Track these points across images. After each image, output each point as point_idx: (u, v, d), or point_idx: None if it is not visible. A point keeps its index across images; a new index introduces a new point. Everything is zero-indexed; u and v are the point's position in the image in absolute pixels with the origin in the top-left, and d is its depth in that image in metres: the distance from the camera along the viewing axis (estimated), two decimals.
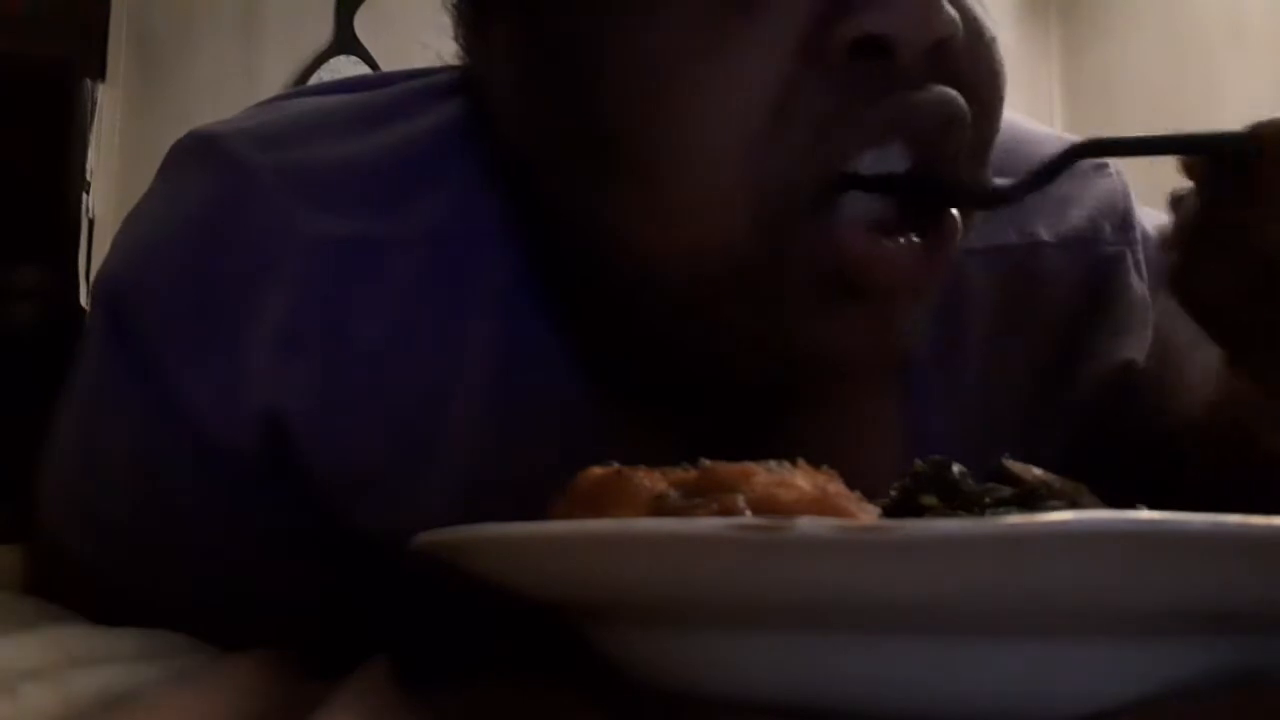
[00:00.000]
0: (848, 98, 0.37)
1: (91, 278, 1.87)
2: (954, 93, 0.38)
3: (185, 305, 0.42)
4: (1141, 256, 0.51)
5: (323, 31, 2.22)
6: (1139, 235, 0.52)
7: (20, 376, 1.76)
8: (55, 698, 0.27)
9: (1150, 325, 0.51)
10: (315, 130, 0.46)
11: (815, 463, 0.30)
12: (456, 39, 0.45)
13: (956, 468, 0.32)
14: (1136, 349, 0.51)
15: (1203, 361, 0.47)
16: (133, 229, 0.47)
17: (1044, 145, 0.49)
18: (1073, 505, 0.31)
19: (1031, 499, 0.31)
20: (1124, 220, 0.52)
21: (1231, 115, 0.39)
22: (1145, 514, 0.23)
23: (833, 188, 0.38)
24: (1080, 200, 0.51)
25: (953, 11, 0.37)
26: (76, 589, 0.45)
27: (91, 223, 1.91)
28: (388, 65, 2.19)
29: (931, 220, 0.39)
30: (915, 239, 0.38)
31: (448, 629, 0.46)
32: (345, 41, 2.22)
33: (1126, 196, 0.53)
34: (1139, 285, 0.51)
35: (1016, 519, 0.23)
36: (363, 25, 2.23)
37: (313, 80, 2.18)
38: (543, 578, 0.31)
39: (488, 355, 0.43)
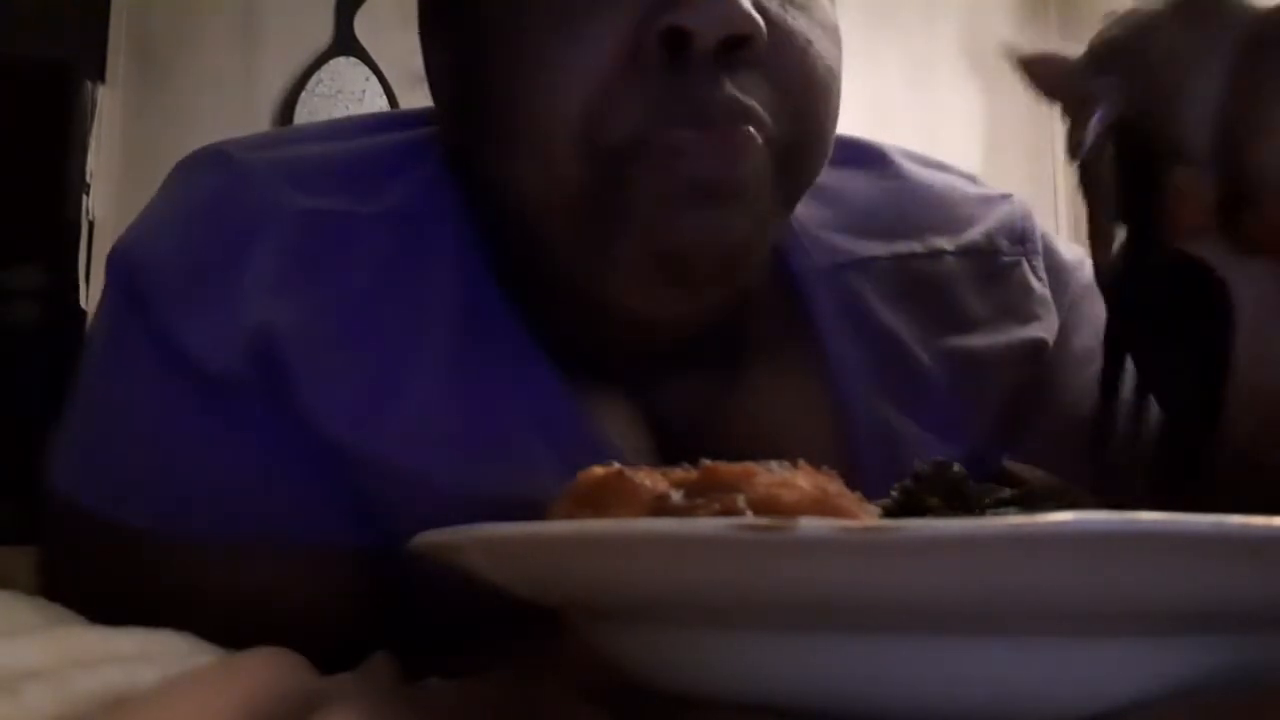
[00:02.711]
0: (659, 84, 0.44)
1: (92, 279, 1.88)
2: (741, 96, 0.44)
3: (188, 269, 0.49)
4: (1040, 264, 0.59)
5: (322, 33, 2.22)
6: (1039, 249, 0.60)
7: (20, 376, 1.76)
8: (56, 698, 0.27)
9: (1055, 316, 0.58)
10: (301, 138, 0.55)
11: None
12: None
13: (957, 468, 0.32)
14: (1045, 331, 0.58)
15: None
16: (142, 216, 0.53)
17: (989, 202, 0.60)
18: (1073, 506, 0.31)
19: (1032, 500, 0.31)
20: (1022, 236, 0.60)
21: None
22: (1146, 515, 0.23)
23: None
24: (982, 220, 0.60)
25: (753, 13, 0.43)
26: (85, 557, 0.49)
27: (91, 224, 1.91)
28: (387, 67, 2.20)
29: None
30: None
31: (448, 629, 0.47)
32: (345, 43, 2.23)
33: (1026, 218, 0.61)
34: (1039, 286, 0.59)
35: (1017, 519, 0.23)
36: (362, 27, 2.23)
37: (312, 81, 2.19)
38: (543, 578, 0.31)
39: (450, 312, 0.51)
